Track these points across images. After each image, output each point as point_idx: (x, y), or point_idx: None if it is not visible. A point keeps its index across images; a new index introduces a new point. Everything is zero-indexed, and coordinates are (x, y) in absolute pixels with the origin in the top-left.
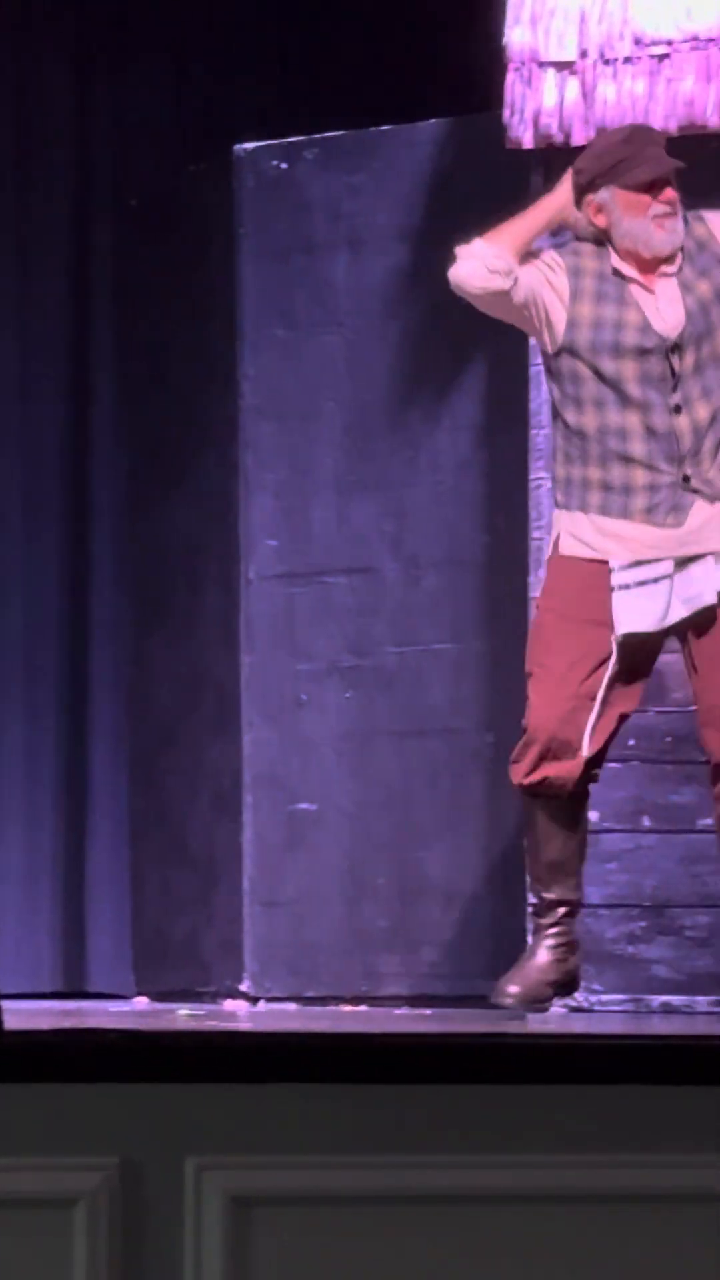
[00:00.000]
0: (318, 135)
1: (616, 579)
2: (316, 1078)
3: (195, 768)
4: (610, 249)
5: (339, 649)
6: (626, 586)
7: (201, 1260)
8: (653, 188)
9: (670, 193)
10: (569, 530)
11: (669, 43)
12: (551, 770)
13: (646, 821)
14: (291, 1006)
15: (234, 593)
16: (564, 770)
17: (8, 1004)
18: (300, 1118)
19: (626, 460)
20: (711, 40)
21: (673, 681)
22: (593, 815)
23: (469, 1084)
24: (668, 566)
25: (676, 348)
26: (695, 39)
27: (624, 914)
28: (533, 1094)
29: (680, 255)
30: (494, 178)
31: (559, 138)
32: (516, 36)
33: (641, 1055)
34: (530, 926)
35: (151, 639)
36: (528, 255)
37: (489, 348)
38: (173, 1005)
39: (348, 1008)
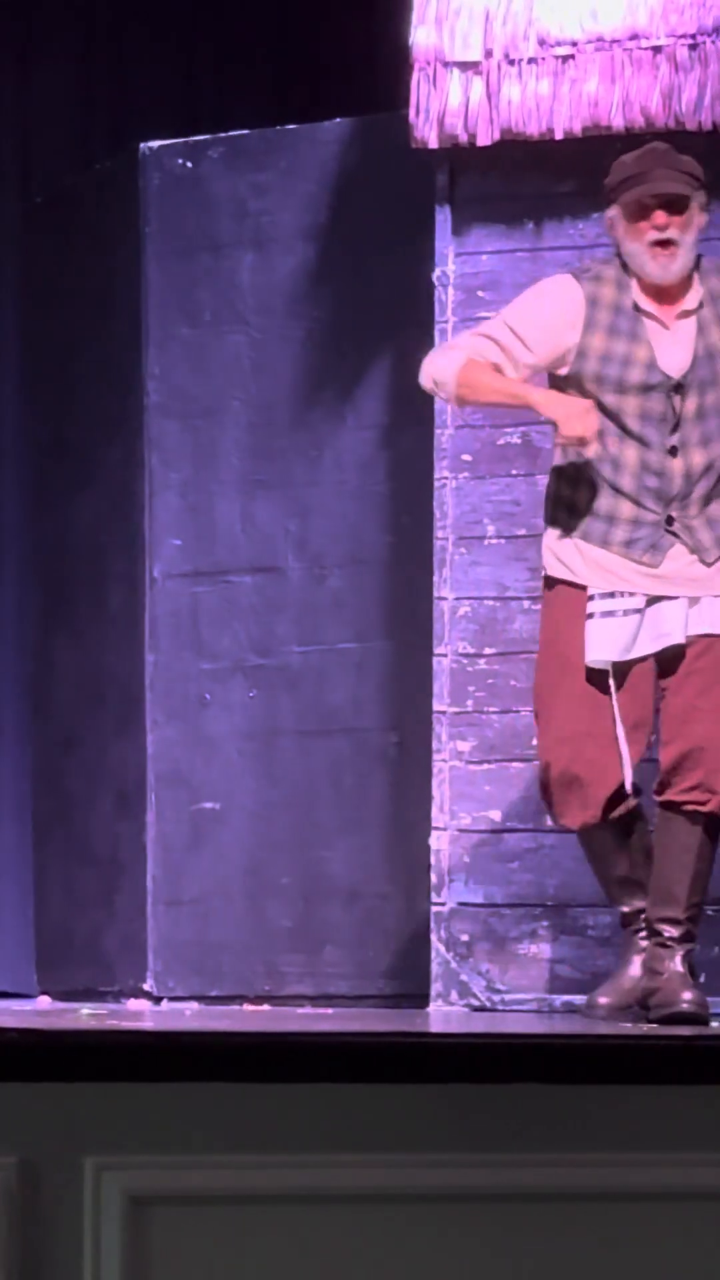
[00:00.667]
0: (223, 134)
1: (591, 607)
2: (217, 1077)
3: (99, 766)
4: (633, 279)
5: (243, 648)
6: (599, 615)
7: (101, 1260)
8: (646, 210)
9: (664, 219)
10: (555, 551)
11: (574, 44)
12: (565, 816)
13: (549, 821)
14: (195, 1006)
15: (138, 591)
16: (574, 815)
17: None
18: (200, 1117)
19: (616, 491)
20: (616, 41)
21: None
22: (495, 816)
23: (367, 1083)
24: (640, 601)
25: (679, 388)
26: (600, 40)
27: (526, 913)
28: (430, 1093)
29: (701, 292)
30: (399, 177)
31: (464, 138)
32: (421, 37)
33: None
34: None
35: (55, 637)
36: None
37: (394, 347)
38: (75, 1004)
39: (251, 1007)
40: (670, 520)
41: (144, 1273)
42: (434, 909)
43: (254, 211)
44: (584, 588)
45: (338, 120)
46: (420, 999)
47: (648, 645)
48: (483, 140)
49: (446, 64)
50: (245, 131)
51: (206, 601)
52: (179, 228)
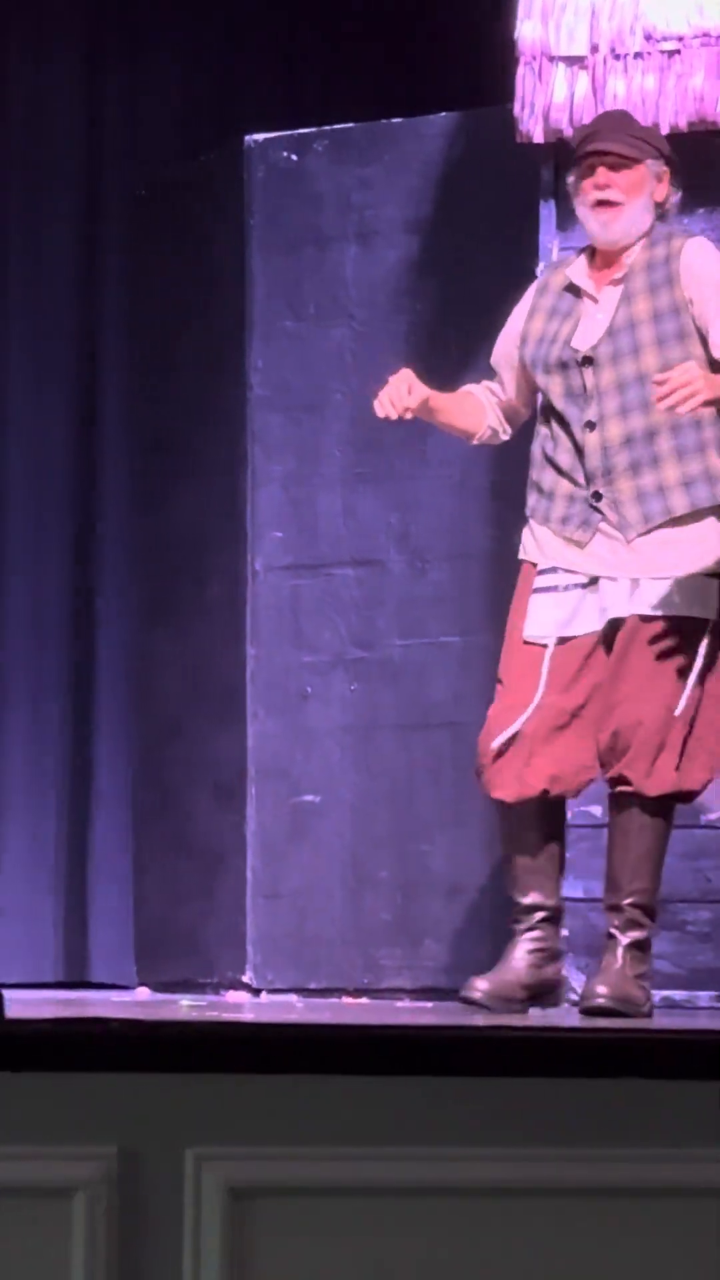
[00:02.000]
0: (328, 127)
1: (536, 582)
2: (317, 1069)
3: (199, 759)
4: (586, 253)
5: (344, 641)
6: (541, 590)
7: (200, 1251)
8: (591, 170)
9: (604, 176)
10: (524, 532)
11: (680, 38)
12: (504, 780)
13: None
14: (293, 998)
15: (240, 584)
16: (518, 780)
17: (9, 993)
18: (300, 1109)
19: (556, 470)
20: None
21: None
22: (596, 811)
23: (469, 1076)
24: (582, 577)
25: (588, 361)
26: (706, 35)
27: None
28: (533, 1087)
29: (638, 258)
30: (503, 171)
31: (569, 132)
32: (527, 31)
33: (643, 1050)
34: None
35: (157, 631)
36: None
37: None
38: (174, 996)
39: (349, 1000)
40: (598, 496)
41: (243, 1264)
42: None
43: (358, 205)
44: (535, 564)
45: (442, 114)
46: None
47: (592, 622)
48: None
49: (552, 58)
50: (350, 125)
51: (308, 594)
52: (283, 221)
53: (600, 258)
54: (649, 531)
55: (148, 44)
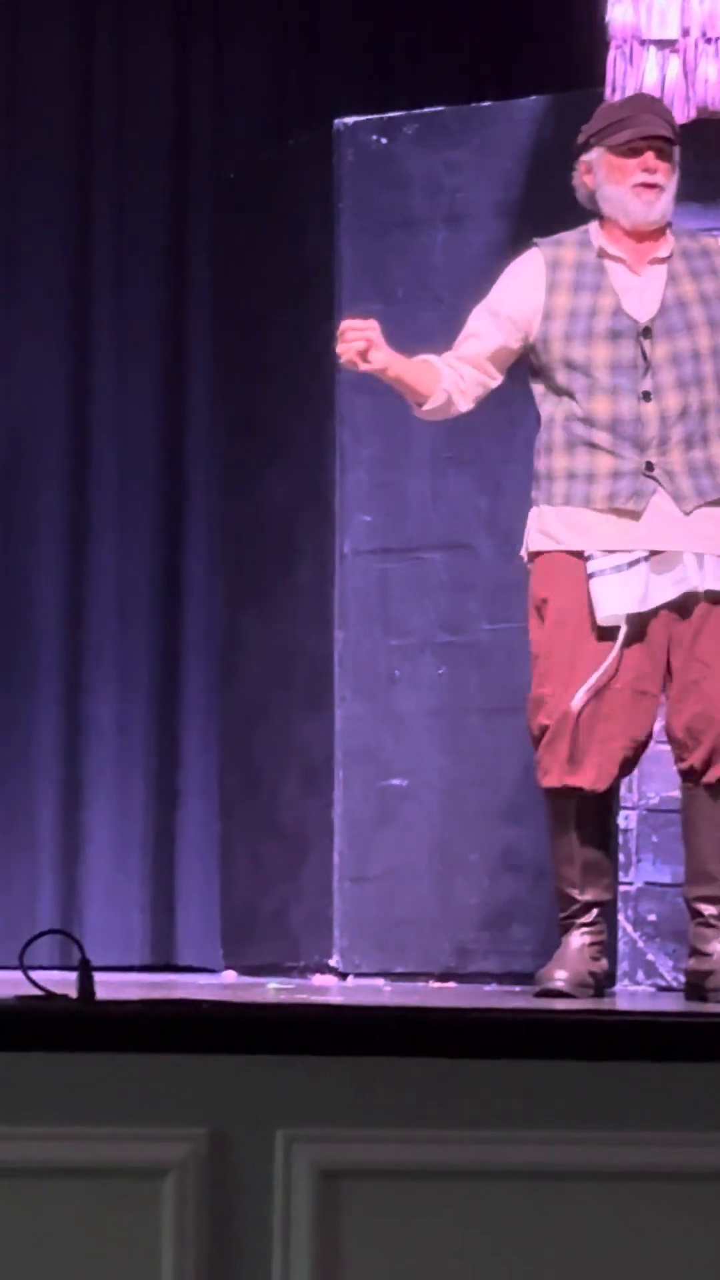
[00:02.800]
0: (417, 111)
1: (590, 566)
2: (405, 1052)
3: (286, 742)
4: (599, 229)
5: (432, 625)
6: (602, 573)
7: (290, 1232)
8: (635, 152)
9: (653, 161)
10: (536, 526)
11: None
12: (574, 775)
13: None
14: (380, 982)
15: (328, 568)
16: (588, 774)
17: (97, 976)
18: (389, 1092)
19: (592, 447)
20: None
21: None
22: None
23: (559, 1059)
24: (641, 552)
25: (648, 332)
26: None
27: None
28: (627, 1070)
29: (673, 245)
30: None
31: None
32: (619, 14)
33: None
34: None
35: (244, 612)
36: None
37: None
38: (261, 979)
39: (436, 984)
40: (650, 466)
41: (333, 1245)
42: (621, 888)
43: (448, 188)
44: (579, 553)
45: (533, 97)
46: (607, 978)
47: (668, 592)
48: (678, 118)
49: (643, 41)
50: (440, 108)
51: (396, 578)
52: (372, 204)
53: (630, 236)
54: (701, 506)
55: (237, 27)
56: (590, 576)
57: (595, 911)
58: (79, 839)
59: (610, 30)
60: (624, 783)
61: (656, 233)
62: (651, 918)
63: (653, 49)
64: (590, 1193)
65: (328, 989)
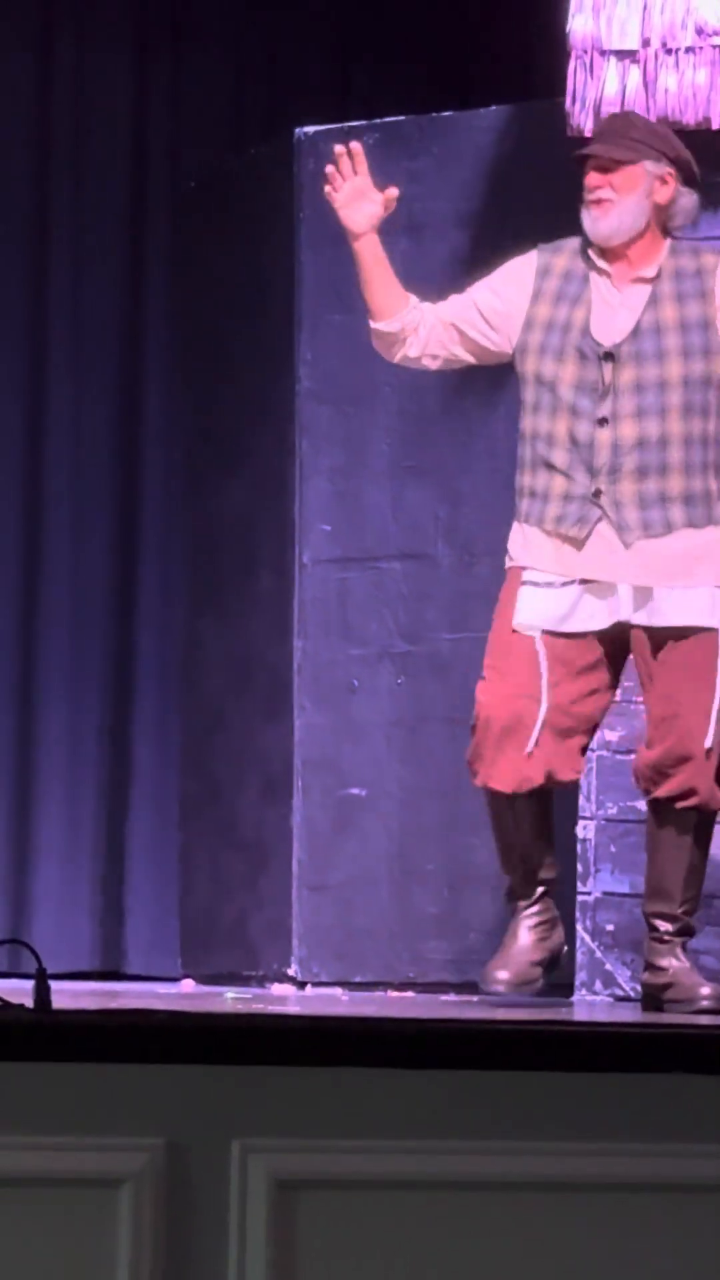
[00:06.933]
0: (378, 120)
1: (525, 575)
2: (363, 1062)
3: (246, 751)
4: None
5: (392, 634)
6: (534, 584)
7: (246, 1242)
8: (585, 169)
9: (595, 179)
10: (511, 541)
11: None
12: (501, 772)
13: None
14: (338, 991)
15: (287, 576)
16: (516, 772)
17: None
18: (346, 1102)
19: (550, 468)
20: None
21: None
22: (642, 805)
23: (515, 1070)
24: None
25: (611, 356)
26: None
27: None
28: (586, 1082)
29: (665, 263)
30: (554, 165)
31: None
32: (579, 24)
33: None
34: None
35: (204, 622)
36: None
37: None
38: (219, 988)
39: (394, 993)
40: (598, 494)
41: (289, 1256)
42: (580, 898)
43: (408, 198)
44: (524, 568)
45: (493, 107)
46: (565, 989)
47: (595, 620)
48: None
49: (604, 52)
50: (400, 118)
51: (355, 587)
52: (333, 214)
53: (612, 252)
54: (644, 539)
55: (197, 35)
56: (521, 584)
57: (540, 890)
58: (28, 848)
59: (570, 40)
60: (583, 793)
61: (643, 250)
62: (609, 928)
63: (613, 59)
64: (546, 1204)
65: (286, 998)
